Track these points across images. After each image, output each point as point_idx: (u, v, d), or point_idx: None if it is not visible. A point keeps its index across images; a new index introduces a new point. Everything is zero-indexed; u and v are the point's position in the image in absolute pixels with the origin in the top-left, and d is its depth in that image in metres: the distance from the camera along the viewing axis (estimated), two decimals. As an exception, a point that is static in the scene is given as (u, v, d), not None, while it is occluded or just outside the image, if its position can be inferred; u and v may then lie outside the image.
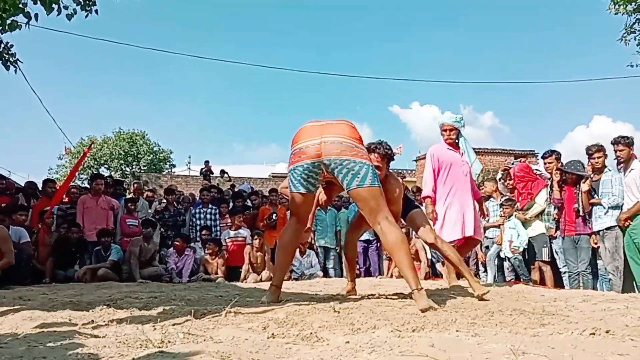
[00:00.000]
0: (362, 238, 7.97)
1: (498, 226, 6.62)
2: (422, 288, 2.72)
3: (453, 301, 3.25)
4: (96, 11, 5.55)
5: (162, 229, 7.74)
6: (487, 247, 6.90)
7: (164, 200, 8.49)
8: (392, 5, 57.78)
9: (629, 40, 10.72)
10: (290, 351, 1.65)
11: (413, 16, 56.72)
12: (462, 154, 4.57)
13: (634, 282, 5.05)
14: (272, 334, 1.91)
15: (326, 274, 7.75)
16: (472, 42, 55.47)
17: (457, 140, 4.60)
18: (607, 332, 1.86)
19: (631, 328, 2.04)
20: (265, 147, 64.01)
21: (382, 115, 58.68)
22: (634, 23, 10.54)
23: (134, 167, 33.95)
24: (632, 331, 1.94)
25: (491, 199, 6.95)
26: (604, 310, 2.73)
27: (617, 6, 10.08)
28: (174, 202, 8.29)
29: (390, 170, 3.49)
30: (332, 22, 59.15)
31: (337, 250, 8.17)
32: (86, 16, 5.45)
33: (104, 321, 2.38)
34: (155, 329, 2.08)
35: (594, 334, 1.83)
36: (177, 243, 7.16)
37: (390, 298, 3.33)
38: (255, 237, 7.08)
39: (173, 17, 57.81)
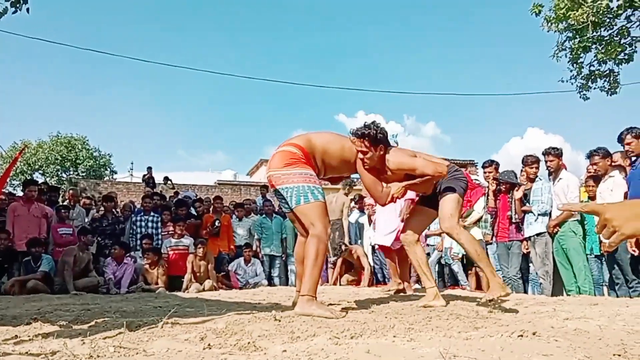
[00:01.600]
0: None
1: (439, 234, 6.81)
2: (309, 296, 2.87)
3: (394, 307, 3.31)
4: (27, 9, 5.28)
5: (99, 238, 7.42)
6: (428, 254, 7.08)
7: (102, 208, 8.15)
8: (339, 15, 58.71)
9: (561, 57, 11.44)
10: (226, 362, 1.62)
11: (360, 27, 57.82)
12: None
13: (562, 286, 5.34)
14: (209, 345, 1.86)
15: (271, 283, 7.69)
16: (416, 55, 57.21)
17: None
18: (534, 333, 1.94)
19: (556, 329, 2.15)
20: (211, 154, 62.98)
21: (329, 124, 59.28)
22: (564, 41, 11.25)
23: (71, 173, 32.40)
24: (557, 332, 2.05)
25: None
26: (533, 313, 2.87)
27: (549, 24, 10.72)
28: (113, 210, 7.97)
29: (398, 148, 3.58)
30: (281, 29, 59.25)
31: (283, 259, 8.13)
32: (14, 12, 5.18)
33: (29, 336, 2.24)
34: (84, 343, 1.98)
35: (521, 335, 1.91)
36: (115, 251, 6.87)
37: (332, 304, 3.35)
38: (199, 245, 6.93)
39: (116, 17, 55.91)
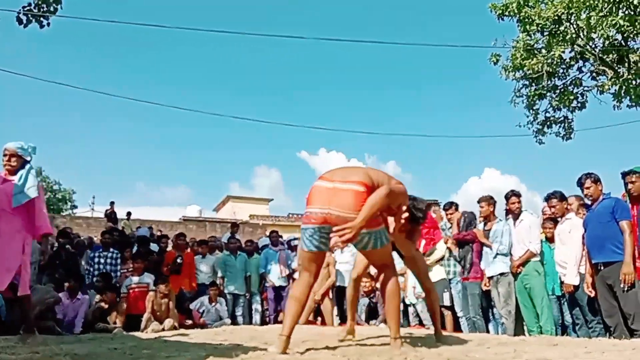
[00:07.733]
0: (277, 284, 7.84)
1: (402, 274, 6.81)
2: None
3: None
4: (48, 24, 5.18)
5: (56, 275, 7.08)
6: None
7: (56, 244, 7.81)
8: (304, 53, 60.20)
9: (518, 103, 12.03)
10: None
11: (326, 68, 59.24)
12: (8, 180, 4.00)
13: (523, 326, 5.40)
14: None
15: (234, 322, 7.49)
16: (381, 95, 58.76)
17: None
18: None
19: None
20: (174, 189, 62.05)
21: (291, 161, 59.80)
22: (521, 88, 11.86)
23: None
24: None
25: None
26: (495, 354, 2.88)
27: (507, 72, 11.31)
28: (66, 246, 7.65)
29: None
30: (244, 66, 59.67)
31: (247, 297, 7.96)
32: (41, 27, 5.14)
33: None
34: (29, 389, 1.86)
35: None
36: (68, 284, 6.54)
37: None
38: (161, 283, 6.69)
39: (77, 50, 55.36)
